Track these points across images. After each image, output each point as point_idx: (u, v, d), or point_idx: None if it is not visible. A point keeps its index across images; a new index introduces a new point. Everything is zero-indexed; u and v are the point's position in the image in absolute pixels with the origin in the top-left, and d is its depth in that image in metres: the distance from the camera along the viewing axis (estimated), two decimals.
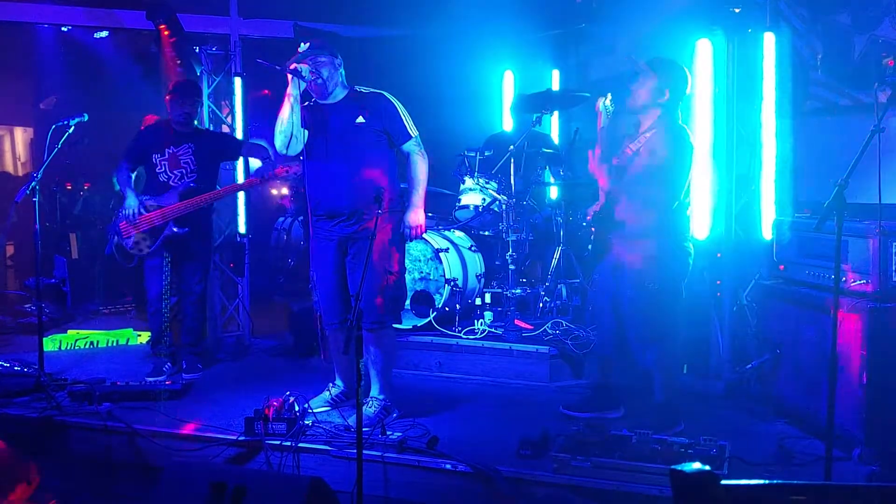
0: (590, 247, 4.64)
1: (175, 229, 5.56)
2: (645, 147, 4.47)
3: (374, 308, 4.50)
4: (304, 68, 4.44)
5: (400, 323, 4.84)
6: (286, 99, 4.45)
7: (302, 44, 4.52)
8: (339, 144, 4.53)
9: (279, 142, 4.52)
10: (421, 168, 4.63)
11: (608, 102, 4.60)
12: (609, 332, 4.76)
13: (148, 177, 5.80)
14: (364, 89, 4.64)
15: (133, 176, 5.80)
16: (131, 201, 5.59)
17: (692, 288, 5.86)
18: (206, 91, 6.92)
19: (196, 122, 5.93)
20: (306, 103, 4.59)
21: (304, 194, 4.73)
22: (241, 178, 6.77)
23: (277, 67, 4.42)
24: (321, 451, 4.18)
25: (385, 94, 4.63)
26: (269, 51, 7.04)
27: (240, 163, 6.76)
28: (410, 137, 4.60)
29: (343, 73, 4.63)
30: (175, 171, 5.71)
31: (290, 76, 4.42)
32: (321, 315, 4.82)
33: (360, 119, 4.50)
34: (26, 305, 7.59)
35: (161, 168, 5.71)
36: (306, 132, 4.54)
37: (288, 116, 4.46)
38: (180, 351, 5.95)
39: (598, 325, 5.13)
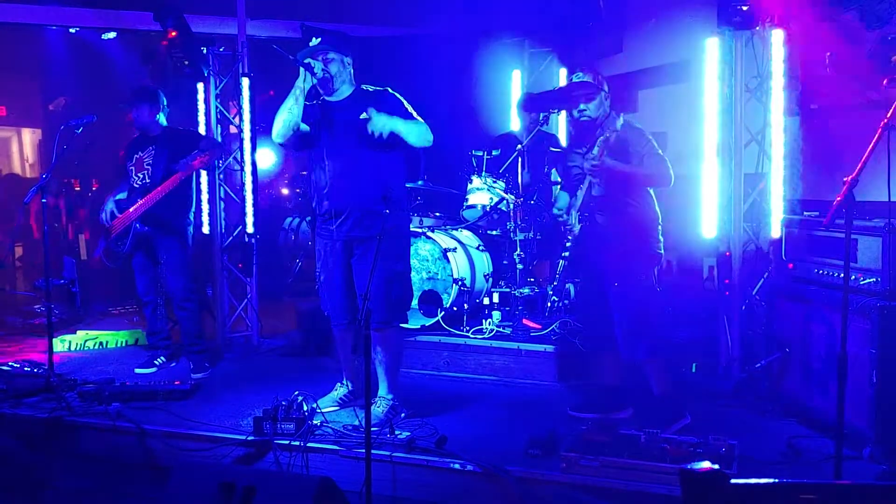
0: (566, 254, 4.78)
1: (138, 226, 5.76)
2: (612, 149, 4.59)
3: (379, 308, 4.50)
4: (317, 64, 4.44)
5: (406, 322, 4.84)
6: (293, 91, 4.46)
7: (314, 38, 4.53)
8: (343, 142, 4.52)
9: (277, 132, 4.52)
10: (423, 130, 4.53)
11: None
12: (602, 334, 4.81)
13: (128, 184, 5.97)
14: (370, 88, 4.64)
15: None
16: (106, 206, 5.88)
17: (700, 286, 5.87)
18: (213, 92, 6.94)
19: (162, 121, 5.95)
20: (314, 102, 4.59)
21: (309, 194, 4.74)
22: (248, 177, 6.78)
23: (290, 57, 4.41)
24: (330, 450, 4.19)
25: (388, 90, 4.63)
26: (276, 51, 7.05)
27: (248, 164, 6.77)
28: (418, 121, 4.58)
29: (351, 71, 4.63)
30: (139, 174, 5.88)
31: (301, 69, 4.43)
32: (328, 315, 4.82)
33: (365, 115, 4.47)
34: (36, 306, 7.61)
35: (132, 173, 5.91)
36: (308, 127, 4.54)
37: (290, 107, 4.46)
38: (183, 352, 6.09)
39: (589, 328, 5.16)
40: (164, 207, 5.77)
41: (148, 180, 5.80)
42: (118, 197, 5.93)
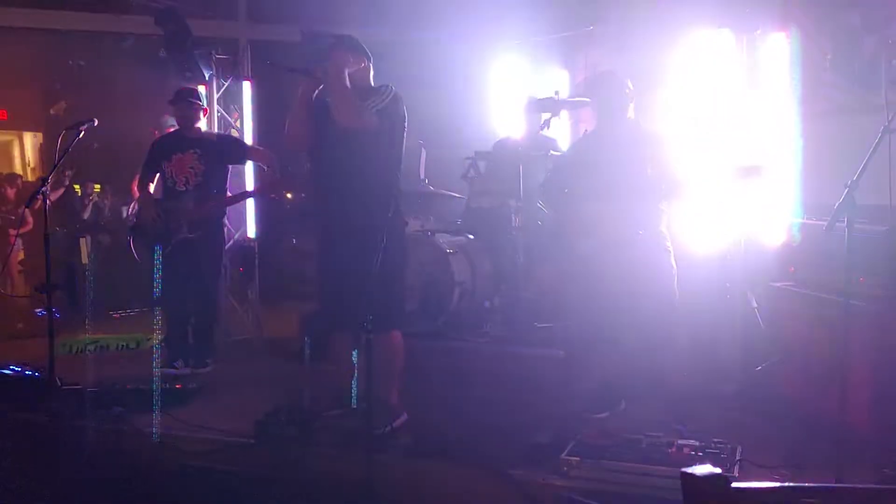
0: None
1: (188, 233, 5.76)
2: None
3: (374, 311, 4.45)
4: (321, 69, 4.43)
5: (400, 326, 4.81)
6: (300, 99, 4.47)
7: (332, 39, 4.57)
8: (344, 140, 4.51)
9: (293, 144, 4.59)
10: (354, 113, 4.40)
11: None
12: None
13: (162, 184, 5.96)
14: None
15: (152, 184, 5.99)
16: (148, 205, 5.81)
17: (703, 290, 5.86)
18: (214, 95, 6.95)
19: (202, 126, 5.99)
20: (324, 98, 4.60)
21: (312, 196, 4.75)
22: (251, 185, 6.81)
23: (283, 67, 4.41)
24: (331, 453, 4.18)
25: (390, 86, 4.61)
26: (277, 54, 7.05)
27: (249, 168, 6.79)
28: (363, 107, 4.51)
29: (369, 70, 4.61)
30: (181, 177, 5.85)
31: (301, 76, 4.43)
32: (325, 318, 4.83)
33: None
34: (36, 310, 7.62)
35: (169, 174, 5.88)
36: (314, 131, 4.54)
37: (302, 119, 4.47)
38: (190, 347, 6.08)
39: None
40: (217, 215, 5.88)
41: (198, 184, 5.80)
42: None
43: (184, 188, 5.82)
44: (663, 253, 4.78)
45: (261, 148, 6.61)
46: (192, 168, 5.83)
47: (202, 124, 6.03)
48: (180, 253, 5.83)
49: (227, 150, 6.06)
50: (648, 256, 4.72)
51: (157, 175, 5.98)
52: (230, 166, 6.21)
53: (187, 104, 5.90)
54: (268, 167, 6.06)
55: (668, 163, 4.73)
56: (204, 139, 5.95)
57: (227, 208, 6.22)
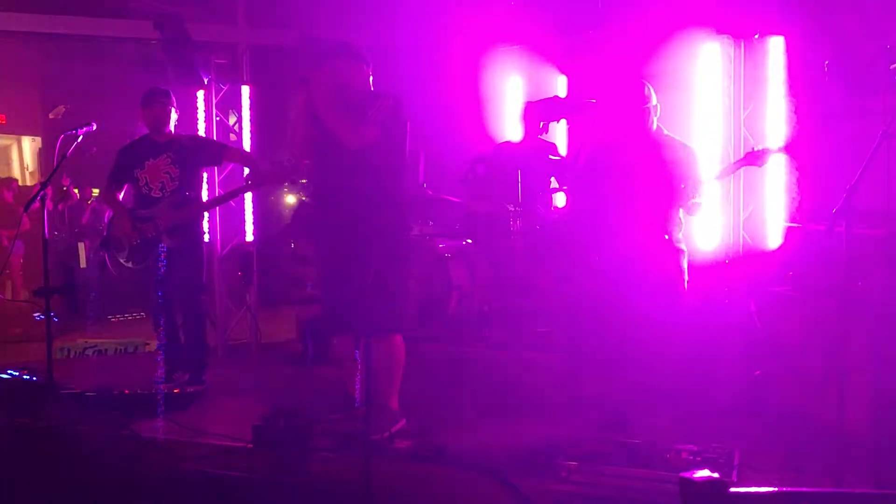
0: None
1: (167, 241, 5.49)
2: None
3: (373, 315, 4.46)
4: (318, 78, 4.43)
5: (404, 330, 4.81)
6: (300, 109, 4.47)
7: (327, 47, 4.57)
8: (345, 152, 4.52)
9: (291, 148, 4.63)
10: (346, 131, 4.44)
11: None
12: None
13: (135, 192, 5.68)
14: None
15: (121, 193, 5.72)
16: (121, 216, 5.54)
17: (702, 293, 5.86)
18: (213, 100, 6.95)
19: (172, 128, 5.79)
20: None
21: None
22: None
23: (289, 82, 4.43)
24: (329, 458, 4.17)
25: (388, 94, 4.61)
26: (277, 59, 7.06)
27: (246, 171, 6.76)
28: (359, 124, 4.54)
29: (369, 79, 4.63)
30: (156, 183, 5.57)
31: (301, 84, 4.44)
32: (326, 322, 4.83)
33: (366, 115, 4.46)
34: (35, 314, 7.61)
35: (144, 181, 5.59)
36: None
37: (296, 123, 4.48)
38: (184, 361, 5.93)
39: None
40: (196, 220, 5.66)
41: (174, 189, 5.52)
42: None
43: (160, 194, 5.54)
44: (682, 258, 4.79)
45: (237, 147, 6.43)
46: (167, 173, 5.55)
47: (172, 126, 5.71)
48: (162, 261, 5.53)
49: (202, 151, 5.78)
50: (670, 264, 4.72)
51: (127, 184, 5.69)
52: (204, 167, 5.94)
53: (161, 105, 5.61)
54: (246, 166, 5.79)
55: (691, 169, 4.70)
56: (176, 142, 5.66)
57: (218, 211, 6.12)
